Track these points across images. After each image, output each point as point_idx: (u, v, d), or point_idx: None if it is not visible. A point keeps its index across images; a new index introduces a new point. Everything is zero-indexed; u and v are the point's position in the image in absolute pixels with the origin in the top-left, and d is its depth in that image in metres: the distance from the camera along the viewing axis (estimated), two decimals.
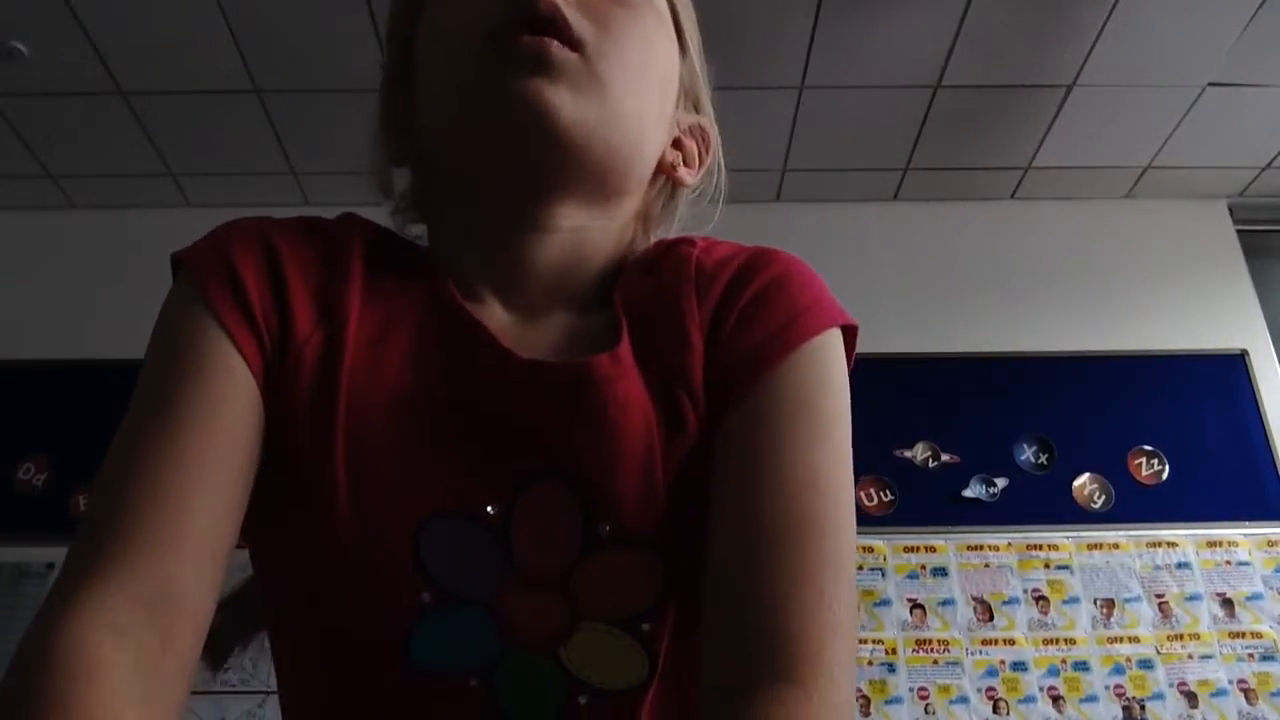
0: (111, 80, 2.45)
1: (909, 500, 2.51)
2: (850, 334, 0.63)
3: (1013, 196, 2.92)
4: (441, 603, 0.55)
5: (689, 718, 0.58)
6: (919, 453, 2.57)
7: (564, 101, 0.56)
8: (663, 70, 0.64)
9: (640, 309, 0.61)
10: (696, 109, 0.70)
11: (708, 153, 0.70)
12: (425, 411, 0.56)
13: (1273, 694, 2.30)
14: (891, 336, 2.70)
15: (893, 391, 2.62)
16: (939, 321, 2.74)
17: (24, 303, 2.76)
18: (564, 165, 0.59)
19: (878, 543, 2.46)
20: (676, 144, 0.67)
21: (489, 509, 0.55)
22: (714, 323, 0.59)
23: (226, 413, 0.53)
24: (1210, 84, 2.51)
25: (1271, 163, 2.79)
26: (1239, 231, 2.91)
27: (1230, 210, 2.93)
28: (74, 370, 2.65)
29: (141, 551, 0.48)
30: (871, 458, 2.53)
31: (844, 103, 2.55)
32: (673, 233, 0.69)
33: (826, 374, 0.59)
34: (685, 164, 0.68)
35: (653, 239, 0.68)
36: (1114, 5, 2.26)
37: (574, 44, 0.57)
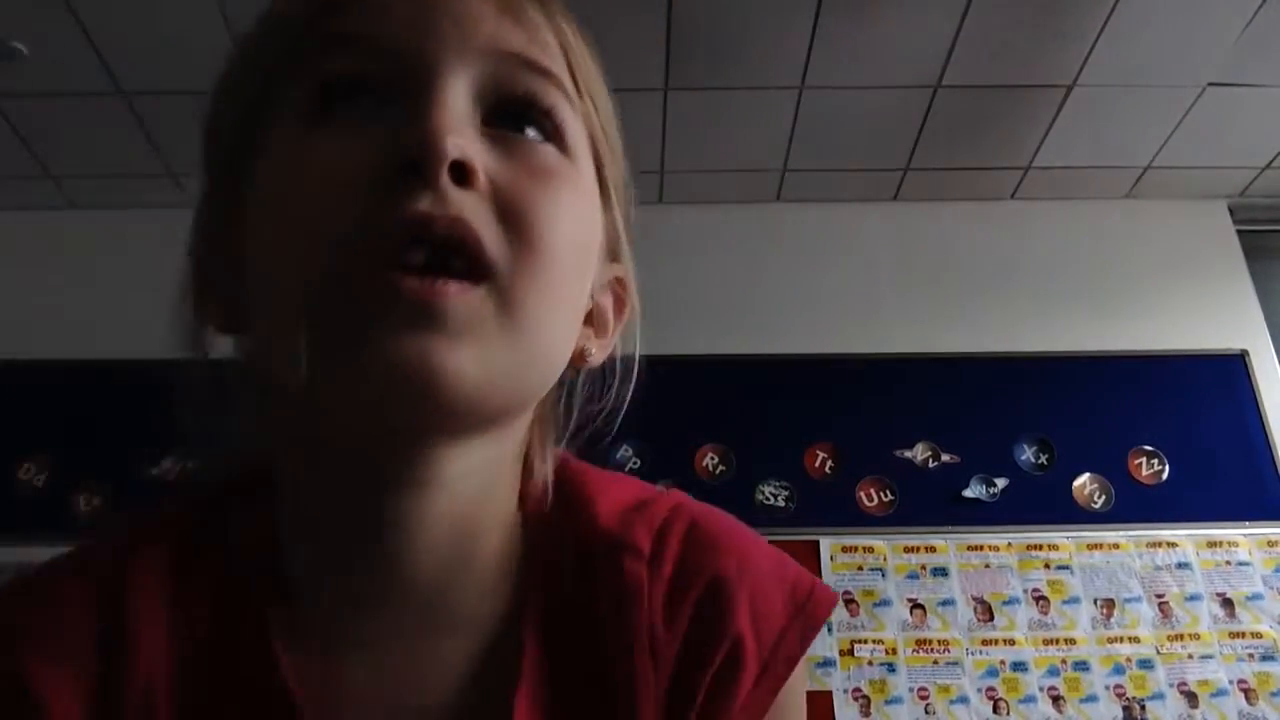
0: (111, 80, 2.44)
1: (909, 500, 2.51)
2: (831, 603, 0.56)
3: (1013, 196, 2.92)
4: None
5: None
6: (919, 453, 2.57)
7: (466, 365, 0.40)
8: (587, 255, 0.49)
9: (563, 646, 0.49)
10: (614, 257, 0.54)
11: (625, 304, 0.55)
12: None
13: (1273, 694, 2.30)
14: (891, 336, 2.70)
15: (893, 391, 2.62)
16: (939, 321, 2.74)
17: (24, 303, 2.76)
18: (462, 425, 0.44)
19: (878, 543, 2.46)
20: (588, 317, 0.52)
21: None
22: (676, 687, 0.50)
23: None
24: (1210, 84, 2.51)
25: (1271, 163, 2.79)
26: (1239, 231, 2.90)
27: (1230, 210, 2.93)
28: (74, 370, 2.65)
29: None
30: (871, 458, 2.54)
31: (844, 103, 2.55)
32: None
33: (795, 702, 0.54)
34: (598, 331, 0.53)
35: (550, 443, 0.55)
36: (1114, 5, 2.26)
37: (482, 272, 0.41)
